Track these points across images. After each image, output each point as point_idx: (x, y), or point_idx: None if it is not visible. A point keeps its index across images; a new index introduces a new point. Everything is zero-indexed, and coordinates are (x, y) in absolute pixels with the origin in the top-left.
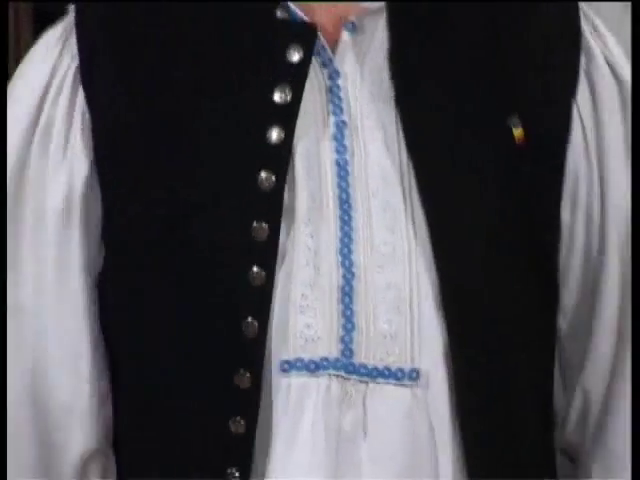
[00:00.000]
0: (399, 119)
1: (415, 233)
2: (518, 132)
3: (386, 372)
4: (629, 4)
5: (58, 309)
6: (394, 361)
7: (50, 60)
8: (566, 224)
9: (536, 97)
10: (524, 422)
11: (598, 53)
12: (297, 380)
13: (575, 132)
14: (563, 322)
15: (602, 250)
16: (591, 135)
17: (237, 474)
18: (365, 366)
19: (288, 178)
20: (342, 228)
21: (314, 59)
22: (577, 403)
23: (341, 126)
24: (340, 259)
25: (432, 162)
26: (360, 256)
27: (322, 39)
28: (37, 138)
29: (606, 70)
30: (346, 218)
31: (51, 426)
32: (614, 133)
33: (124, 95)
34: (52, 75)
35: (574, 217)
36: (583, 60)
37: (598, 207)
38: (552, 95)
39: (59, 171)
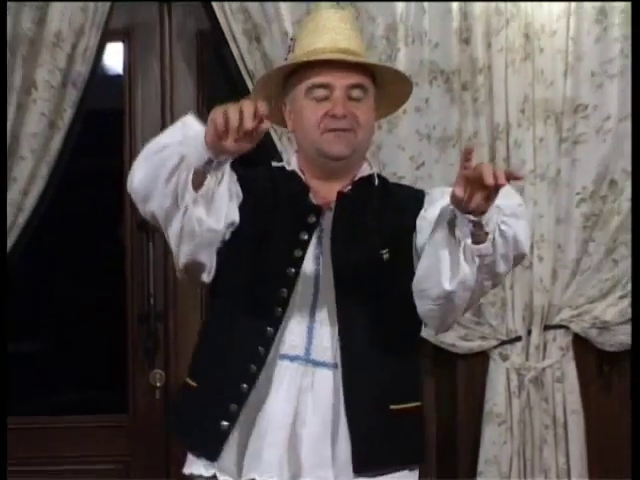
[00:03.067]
0: (330, 258)
1: (335, 299)
2: (386, 257)
3: (323, 364)
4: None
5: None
6: (327, 359)
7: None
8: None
9: (396, 241)
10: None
11: (427, 215)
12: (285, 363)
13: (414, 242)
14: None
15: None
16: (421, 238)
17: (245, 387)
18: (315, 360)
19: (301, 270)
20: (314, 294)
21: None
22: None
23: (317, 253)
24: (312, 305)
25: (346, 271)
26: (324, 308)
27: (325, 212)
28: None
29: (427, 220)
30: (315, 291)
31: None
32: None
33: (242, 214)
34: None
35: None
36: (418, 221)
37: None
38: (403, 238)
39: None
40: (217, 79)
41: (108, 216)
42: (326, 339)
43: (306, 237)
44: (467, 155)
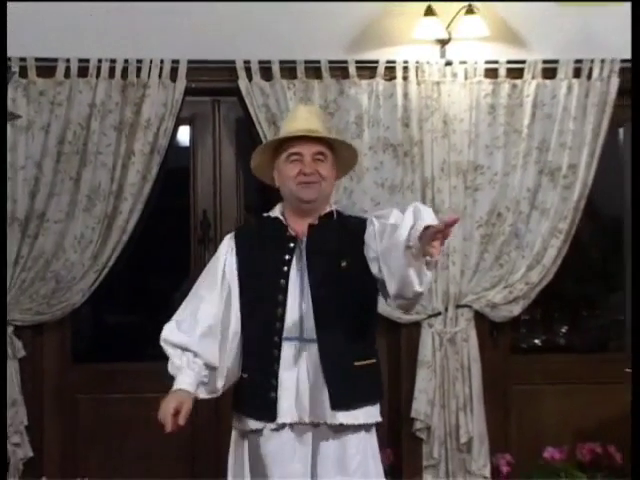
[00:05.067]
0: (307, 269)
1: (311, 295)
2: (344, 265)
3: (311, 340)
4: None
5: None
6: (312, 337)
7: (224, 249)
8: (375, 271)
9: (351, 253)
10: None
11: (371, 229)
12: (288, 343)
13: (366, 250)
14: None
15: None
16: (377, 239)
17: (276, 366)
18: (305, 339)
19: (289, 280)
20: (300, 296)
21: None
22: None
23: (298, 267)
24: (299, 302)
25: (318, 277)
26: (305, 301)
27: (300, 238)
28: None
29: (371, 232)
30: (300, 293)
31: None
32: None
33: (241, 264)
34: (226, 258)
35: (377, 269)
36: (365, 235)
37: (381, 257)
38: (356, 251)
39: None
40: (249, 149)
41: (178, 234)
42: (310, 324)
43: (288, 257)
44: (452, 222)
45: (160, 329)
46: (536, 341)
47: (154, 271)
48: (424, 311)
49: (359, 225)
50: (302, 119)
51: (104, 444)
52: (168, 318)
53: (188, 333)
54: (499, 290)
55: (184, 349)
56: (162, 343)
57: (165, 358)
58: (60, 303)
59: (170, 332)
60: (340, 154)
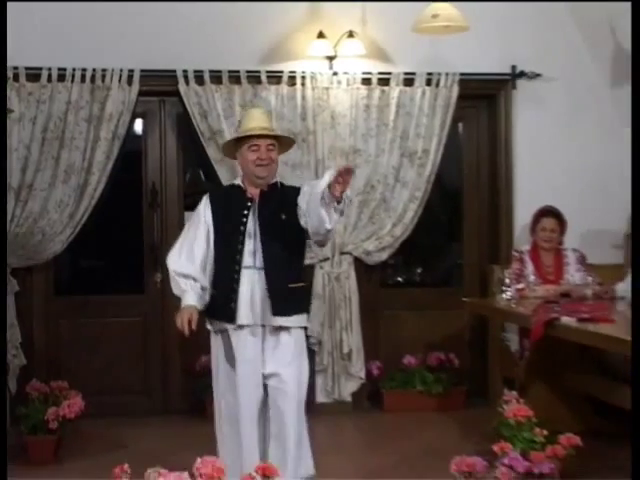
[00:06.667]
0: (258, 220)
1: (264, 252)
2: (283, 218)
3: (260, 267)
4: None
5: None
6: (261, 265)
7: (204, 207)
8: (302, 222)
9: (288, 210)
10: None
11: (301, 194)
12: (246, 270)
13: (299, 208)
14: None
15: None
16: (304, 199)
17: (235, 285)
18: (258, 267)
19: (247, 228)
20: (253, 238)
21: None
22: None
23: (252, 218)
24: (253, 242)
25: (265, 224)
26: (257, 242)
27: (255, 200)
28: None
29: (301, 195)
30: (254, 236)
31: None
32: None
33: (214, 215)
34: (205, 210)
35: (304, 221)
36: (298, 198)
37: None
38: (291, 208)
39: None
40: (186, 136)
41: (134, 200)
42: (260, 257)
43: (246, 212)
44: (347, 170)
45: (120, 271)
46: (399, 279)
47: (115, 227)
48: (317, 257)
49: (294, 192)
50: (258, 119)
51: (78, 355)
52: (127, 262)
53: (190, 264)
54: (372, 241)
55: (187, 276)
56: (171, 272)
57: (120, 292)
58: (45, 251)
59: (177, 264)
60: (282, 142)
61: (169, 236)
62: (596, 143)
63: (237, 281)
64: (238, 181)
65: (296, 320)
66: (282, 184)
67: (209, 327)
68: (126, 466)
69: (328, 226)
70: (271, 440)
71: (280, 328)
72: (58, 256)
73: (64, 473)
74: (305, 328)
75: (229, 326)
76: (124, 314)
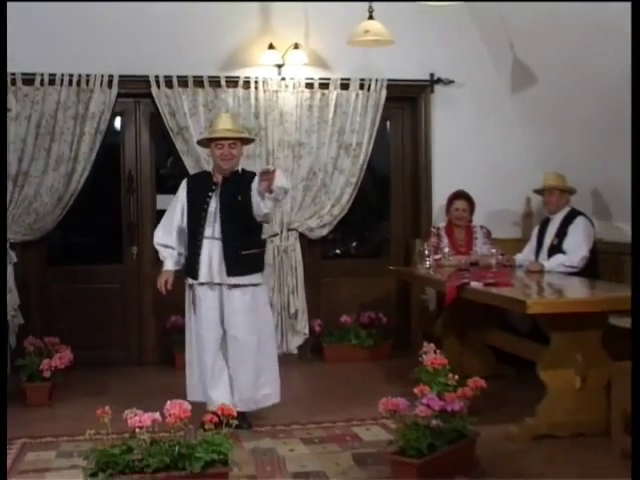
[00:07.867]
0: (219, 200)
1: (221, 225)
2: (240, 199)
3: (218, 238)
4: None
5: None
6: (218, 236)
7: (182, 189)
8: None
9: (244, 192)
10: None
11: (255, 180)
12: (206, 240)
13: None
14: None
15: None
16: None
17: (197, 251)
18: (216, 237)
19: (209, 207)
20: (214, 216)
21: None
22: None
23: (215, 200)
24: (214, 217)
25: (226, 205)
26: (217, 217)
27: (219, 184)
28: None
29: (255, 181)
30: (214, 214)
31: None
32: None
33: (188, 195)
34: (182, 191)
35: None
36: (252, 183)
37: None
38: (247, 191)
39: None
40: (157, 131)
41: (113, 185)
42: (218, 229)
43: (211, 194)
44: (268, 172)
45: (103, 245)
46: (337, 251)
47: (98, 208)
48: (267, 233)
49: (251, 177)
50: (224, 122)
51: (68, 316)
52: (108, 238)
53: (167, 236)
54: (314, 220)
55: (166, 246)
56: (155, 243)
57: (102, 263)
58: (39, 228)
59: (157, 236)
60: (244, 139)
61: (144, 216)
62: (499, 138)
63: (200, 248)
64: (210, 169)
65: (248, 279)
66: (244, 170)
67: (185, 282)
68: (107, 408)
69: (264, 210)
70: (230, 372)
71: (235, 286)
72: (50, 233)
73: (56, 414)
74: (259, 285)
75: (194, 282)
76: (106, 281)
